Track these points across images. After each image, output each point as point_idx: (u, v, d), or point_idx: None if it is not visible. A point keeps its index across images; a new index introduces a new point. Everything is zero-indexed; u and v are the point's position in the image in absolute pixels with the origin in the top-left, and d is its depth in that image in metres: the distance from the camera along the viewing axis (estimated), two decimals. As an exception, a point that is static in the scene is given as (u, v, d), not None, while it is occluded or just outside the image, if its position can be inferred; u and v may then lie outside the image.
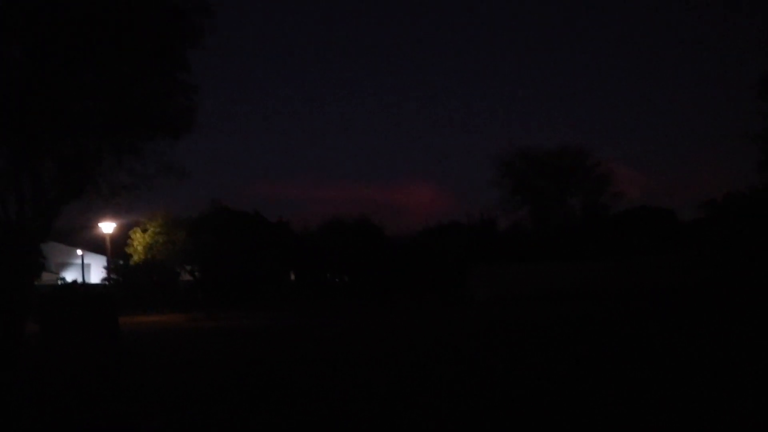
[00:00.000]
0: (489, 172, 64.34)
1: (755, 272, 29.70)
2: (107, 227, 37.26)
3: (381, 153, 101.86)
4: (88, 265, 48.28)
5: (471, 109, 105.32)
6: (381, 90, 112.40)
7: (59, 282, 42.47)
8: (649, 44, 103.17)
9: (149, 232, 37.39)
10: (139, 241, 37.46)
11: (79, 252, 47.54)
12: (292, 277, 44.16)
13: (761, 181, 30.90)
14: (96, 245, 44.99)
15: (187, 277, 41.58)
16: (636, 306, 22.61)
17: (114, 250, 39.39)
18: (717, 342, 12.35)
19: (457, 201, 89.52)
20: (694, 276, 29.99)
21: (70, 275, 46.46)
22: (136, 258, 37.66)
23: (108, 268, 42.01)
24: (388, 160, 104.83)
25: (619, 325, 16.76)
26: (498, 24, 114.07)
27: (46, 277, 40.49)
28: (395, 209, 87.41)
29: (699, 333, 14.09)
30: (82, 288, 38.38)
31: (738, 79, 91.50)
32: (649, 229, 34.56)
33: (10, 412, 8.47)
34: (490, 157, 76.74)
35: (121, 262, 40.54)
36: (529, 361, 10.89)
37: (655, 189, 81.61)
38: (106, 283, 41.54)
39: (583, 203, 39.24)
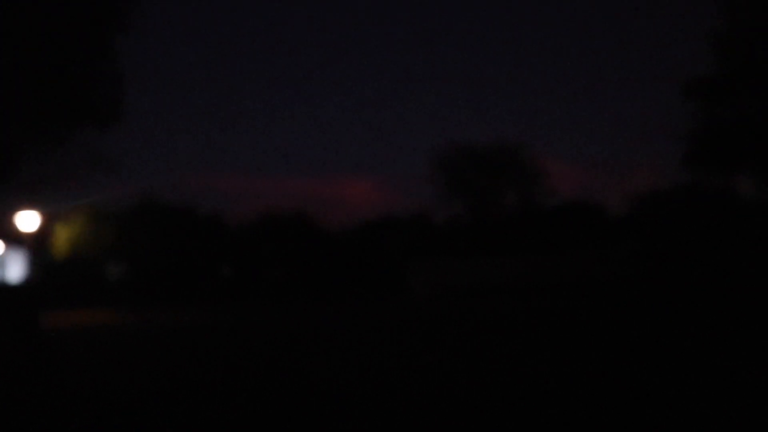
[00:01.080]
0: (426, 167, 64.95)
1: (677, 266, 30.96)
2: (28, 220, 35.49)
3: (318, 147, 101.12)
4: (7, 260, 46.01)
5: (408, 103, 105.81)
6: (318, 83, 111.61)
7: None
8: (584, 41, 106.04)
9: (74, 225, 35.84)
10: (63, 235, 35.87)
11: (-2, 246, 45.28)
12: (227, 272, 43.29)
13: (684, 179, 32.22)
14: (15, 239, 42.89)
15: (114, 272, 40.12)
16: (566, 299, 23.14)
17: (36, 245, 37.63)
18: (638, 333, 12.68)
19: (394, 196, 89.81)
20: (623, 270, 30.97)
21: (-13, 271, 44.22)
22: (60, 253, 36.05)
23: (28, 264, 40.12)
24: (324, 154, 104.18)
25: (546, 318, 17.05)
26: (435, 20, 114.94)
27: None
28: (332, 203, 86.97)
29: (620, 325, 14.46)
30: None
31: (670, 77, 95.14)
32: (580, 224, 35.56)
33: None
34: (427, 152, 77.42)
35: (44, 256, 38.80)
36: (458, 355, 10.86)
37: (588, 185, 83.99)
38: (27, 279, 39.68)
39: (518, 198, 40.01)
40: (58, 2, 14.41)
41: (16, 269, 45.11)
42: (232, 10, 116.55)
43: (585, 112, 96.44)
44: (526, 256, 32.35)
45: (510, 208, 39.90)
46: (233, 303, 32.18)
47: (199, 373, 10.62)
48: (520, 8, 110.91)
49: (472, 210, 39.85)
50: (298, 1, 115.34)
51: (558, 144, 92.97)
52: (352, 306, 26.19)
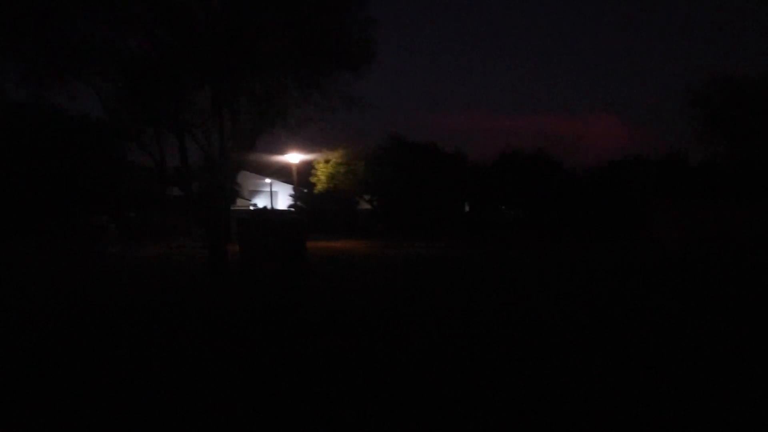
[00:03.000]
0: (679, 104, 59.37)
1: None
2: (294, 158, 39.86)
3: (561, 83, 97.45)
4: (276, 193, 52.12)
5: (660, 35, 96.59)
6: (561, 18, 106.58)
7: (251, 207, 46.56)
8: None
9: (331, 162, 39.31)
10: (322, 171, 39.56)
11: (268, 180, 51.36)
12: (466, 208, 44.46)
13: None
14: (282, 174, 48.38)
15: (365, 206, 43.45)
16: None
17: (299, 179, 42.15)
18: None
19: (641, 134, 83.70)
20: None
21: (260, 202, 50.56)
22: (319, 187, 39.89)
23: (294, 196, 45.13)
24: (568, 91, 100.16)
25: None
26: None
27: (240, 203, 44.48)
28: (575, 142, 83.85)
29: None
30: (272, 213, 41.74)
31: None
32: None
33: (219, 312, 9.60)
34: (681, 87, 70.58)
35: (305, 190, 43.26)
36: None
37: None
38: (292, 209, 44.76)
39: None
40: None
41: (282, 200, 51.00)
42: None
43: None
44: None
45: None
46: (473, 238, 33.14)
47: (446, 297, 11.39)
48: None
49: (733, 150, 35.70)
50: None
51: None
52: (588, 249, 25.51)
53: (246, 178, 46.06)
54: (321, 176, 39.59)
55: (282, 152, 38.58)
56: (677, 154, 37.84)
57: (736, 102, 34.84)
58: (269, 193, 51.62)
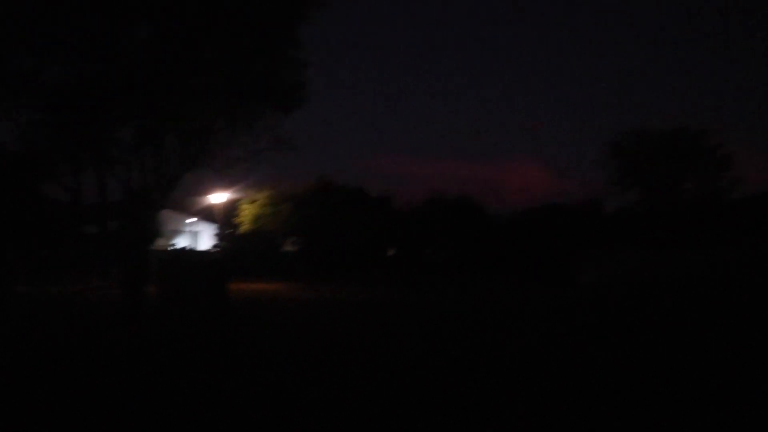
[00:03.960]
0: (596, 154, 62.49)
1: None
2: (218, 197, 39.04)
3: (485, 131, 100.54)
4: (199, 233, 50.75)
5: (579, 88, 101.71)
6: (485, 67, 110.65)
7: (170, 248, 45.05)
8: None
9: (257, 203, 38.74)
10: (248, 211, 38.90)
11: (191, 220, 50.01)
12: (391, 252, 44.57)
13: None
14: (206, 214, 47.24)
15: (290, 248, 42.87)
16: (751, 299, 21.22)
17: (224, 219, 41.26)
18: None
19: (561, 182, 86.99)
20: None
21: (182, 242, 49.06)
22: (244, 227, 39.15)
23: (218, 236, 44.06)
24: (491, 139, 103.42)
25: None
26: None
27: (160, 243, 43.00)
28: (497, 188, 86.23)
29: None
30: (193, 254, 40.60)
31: None
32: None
33: (132, 361, 9.07)
34: (597, 137, 74.25)
35: (229, 230, 42.31)
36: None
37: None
38: (216, 249, 43.61)
39: (698, 187, 37.02)
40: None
41: (205, 241, 49.71)
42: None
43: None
44: (706, 250, 29.93)
45: (689, 198, 37.08)
46: (397, 281, 33.10)
47: (370, 342, 11.24)
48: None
49: (645, 198, 37.61)
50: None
51: (750, 130, 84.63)
52: (511, 291, 25.96)
53: (168, 217, 44.71)
54: (246, 217, 38.91)
55: (206, 192, 37.77)
56: (594, 202, 39.46)
57: (649, 152, 36.87)
58: (192, 233, 50.21)
